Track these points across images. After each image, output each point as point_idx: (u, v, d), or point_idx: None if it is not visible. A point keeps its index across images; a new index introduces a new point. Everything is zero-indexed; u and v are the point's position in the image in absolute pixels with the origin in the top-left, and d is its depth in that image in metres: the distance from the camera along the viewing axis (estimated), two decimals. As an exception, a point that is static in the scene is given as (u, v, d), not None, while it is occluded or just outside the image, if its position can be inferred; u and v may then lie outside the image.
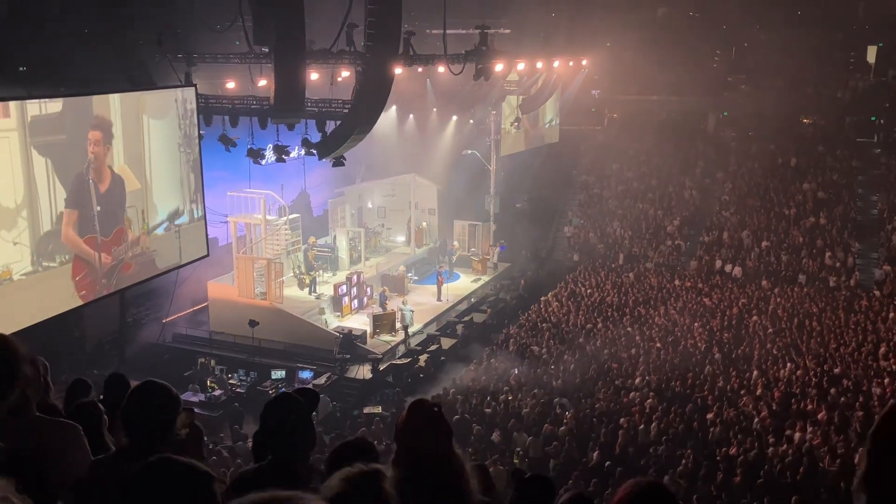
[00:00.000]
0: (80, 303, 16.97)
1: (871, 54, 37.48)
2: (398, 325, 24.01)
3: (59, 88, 17.08)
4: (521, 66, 27.14)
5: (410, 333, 23.91)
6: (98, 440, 3.83)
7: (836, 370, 18.98)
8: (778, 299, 25.19)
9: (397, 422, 2.90)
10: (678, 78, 37.06)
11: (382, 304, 24.89)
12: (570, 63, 30.89)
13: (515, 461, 15.06)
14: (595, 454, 14.88)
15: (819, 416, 16.27)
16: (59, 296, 16.23)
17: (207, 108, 20.47)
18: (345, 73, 21.02)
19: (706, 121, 37.44)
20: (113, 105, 17.34)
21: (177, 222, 19.68)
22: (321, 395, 19.97)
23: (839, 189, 32.10)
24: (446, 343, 24.16)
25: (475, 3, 28.63)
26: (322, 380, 21.10)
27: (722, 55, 39.70)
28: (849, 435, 15.26)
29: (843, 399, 17.09)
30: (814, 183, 32.45)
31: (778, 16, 36.06)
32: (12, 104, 14.82)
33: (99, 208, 17.08)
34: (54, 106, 15.94)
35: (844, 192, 31.95)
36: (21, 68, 17.50)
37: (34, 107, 15.33)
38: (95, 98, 17.05)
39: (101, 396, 5.11)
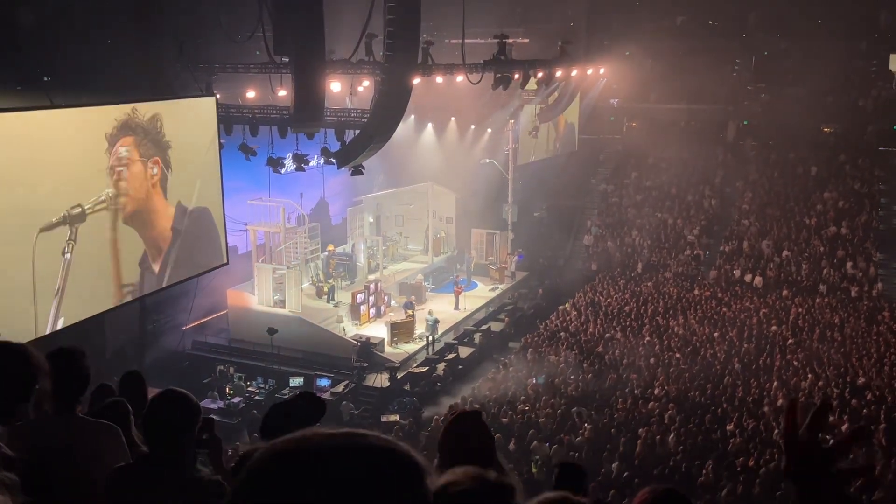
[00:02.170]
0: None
1: (893, 63, 37.12)
2: (423, 333, 24.00)
3: (83, 98, 17.31)
4: (539, 74, 27.14)
5: (432, 341, 23.89)
6: (127, 438, 3.90)
7: (859, 382, 18.77)
8: (799, 309, 24.96)
9: (441, 430, 2.89)
10: (698, 86, 36.93)
11: (411, 307, 24.84)
12: (589, 72, 30.86)
13: (534, 470, 15.01)
14: (613, 465, 14.80)
15: (842, 428, 16.08)
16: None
17: (228, 118, 20.66)
18: (365, 83, 21.13)
19: (726, 129, 37.22)
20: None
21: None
22: (343, 402, 20.09)
23: (861, 198, 31.78)
24: (464, 352, 24.15)
25: (493, 12, 28.71)
26: (340, 388, 21.17)
27: (742, 63, 39.50)
28: (872, 447, 15.07)
29: (865, 411, 16.89)
30: (835, 192, 32.15)
31: (799, 24, 35.86)
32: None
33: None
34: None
35: (866, 201, 31.62)
36: (46, 78, 17.76)
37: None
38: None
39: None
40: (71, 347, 3.78)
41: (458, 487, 1.86)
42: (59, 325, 15.97)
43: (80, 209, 16.18)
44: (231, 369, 21.90)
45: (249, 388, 21.42)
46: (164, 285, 19.29)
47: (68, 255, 16.02)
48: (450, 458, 2.75)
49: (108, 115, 16.82)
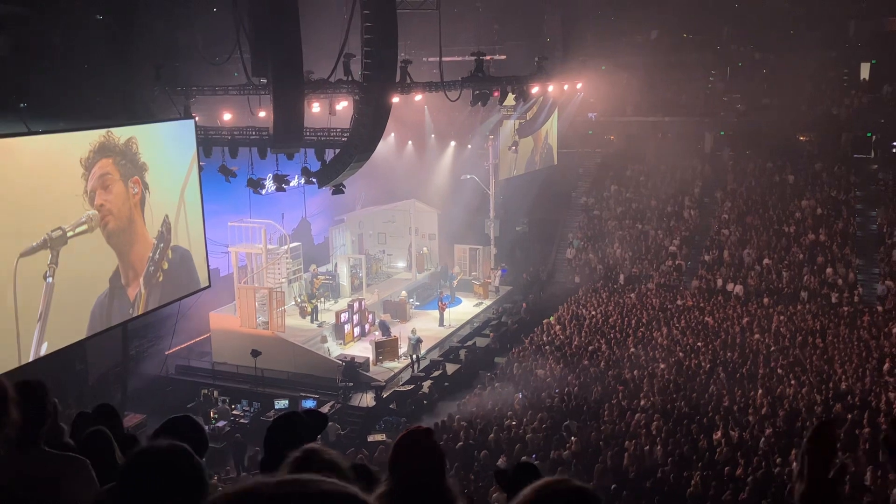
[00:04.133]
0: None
1: (865, 71, 37.76)
2: (405, 353, 23.93)
3: (59, 124, 17.22)
4: (516, 90, 27.34)
5: (416, 359, 23.81)
6: (112, 465, 3.84)
7: (842, 387, 18.92)
8: (780, 317, 25.16)
9: (391, 449, 2.87)
10: (674, 99, 37.39)
11: (385, 332, 24.88)
12: (566, 87, 31.12)
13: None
14: (600, 478, 14.78)
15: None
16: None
17: (207, 140, 20.61)
18: (343, 103, 21.19)
19: (703, 140, 37.63)
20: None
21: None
22: (330, 423, 19.98)
23: (838, 205, 32.17)
24: (450, 368, 24.09)
25: (470, 30, 28.98)
26: (326, 408, 21.03)
27: (717, 75, 40.03)
28: (857, 452, 15.17)
29: (849, 416, 17.01)
30: (812, 200, 32.54)
31: (772, 36, 36.45)
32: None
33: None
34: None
35: (843, 208, 32.01)
36: (22, 104, 17.66)
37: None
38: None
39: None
40: (33, 380, 3.72)
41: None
42: (43, 351, 15.79)
43: (60, 232, 16.06)
44: (215, 393, 21.71)
45: (234, 412, 21.24)
46: (145, 310, 19.13)
47: (50, 279, 15.87)
48: (398, 475, 2.74)
49: (83, 140, 16.74)
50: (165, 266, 19.33)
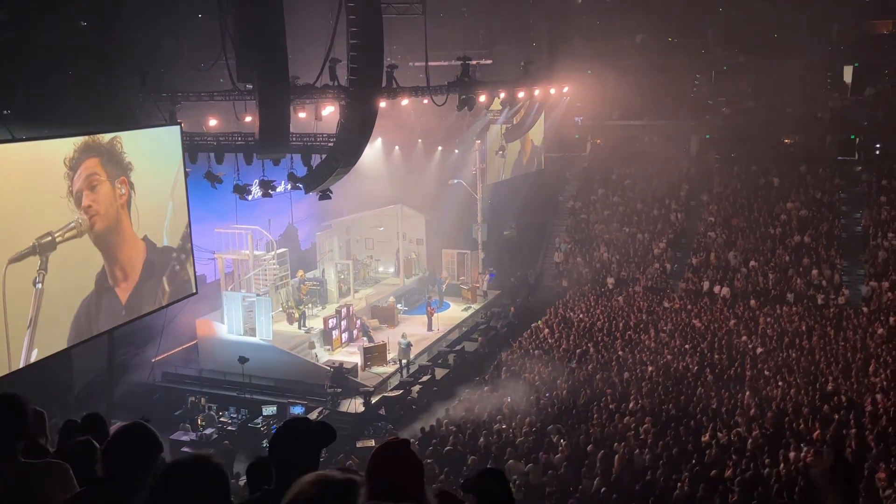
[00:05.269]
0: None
1: (848, 74, 38.11)
2: (395, 357, 23.88)
3: (44, 131, 17.09)
4: (503, 95, 27.40)
5: (405, 364, 23.76)
6: (92, 474, 3.80)
7: (828, 388, 19.02)
8: (767, 319, 25.29)
9: (368, 461, 2.83)
10: (660, 102, 37.57)
11: (367, 335, 24.82)
12: (552, 91, 31.22)
13: (512, 490, 14.90)
14: (590, 481, 14.78)
15: (813, 435, 16.26)
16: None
17: (192, 146, 20.52)
18: (329, 108, 21.16)
19: (689, 144, 37.84)
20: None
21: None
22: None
23: (822, 207, 32.42)
24: (439, 373, 24.05)
25: (456, 35, 29.01)
26: (314, 414, 20.94)
27: (702, 79, 40.29)
28: (844, 452, 15.25)
29: (836, 416, 17.10)
30: (797, 202, 32.77)
31: (755, 40, 36.72)
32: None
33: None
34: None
35: (827, 210, 32.26)
36: (5, 111, 17.52)
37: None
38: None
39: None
40: (7, 394, 3.69)
41: (303, 497, 1.89)
42: (33, 358, 15.62)
43: (49, 237, 15.92)
44: (202, 400, 21.57)
45: (221, 419, 21.11)
46: (131, 316, 18.97)
47: (39, 286, 15.72)
48: (376, 485, 2.71)
49: (67, 141, 16.62)
50: (155, 276, 19.18)
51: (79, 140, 16.81)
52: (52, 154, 16.29)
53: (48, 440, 4.39)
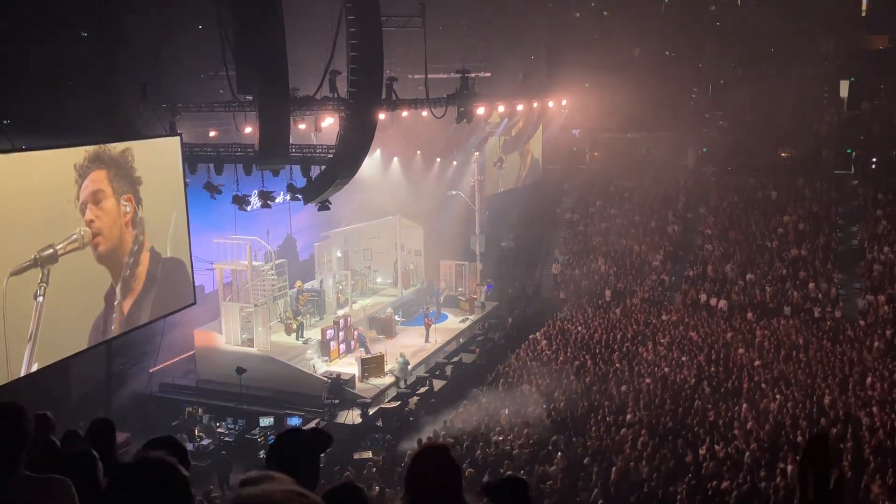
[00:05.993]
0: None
1: (844, 89, 38.33)
2: (392, 375, 23.83)
3: (44, 141, 17.15)
4: (501, 108, 27.55)
5: (405, 383, 23.68)
6: (94, 486, 3.81)
7: (825, 401, 19.04)
8: (764, 332, 25.32)
9: (407, 465, 2.85)
10: (657, 115, 37.75)
11: (364, 346, 24.79)
12: (550, 104, 31.37)
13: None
14: (587, 493, 14.78)
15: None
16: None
17: (192, 157, 20.59)
18: (329, 120, 21.26)
19: (686, 156, 37.98)
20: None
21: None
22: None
23: (819, 220, 32.51)
24: (436, 385, 24.03)
25: (456, 47, 29.15)
26: (311, 426, 20.90)
27: (699, 92, 40.49)
28: (841, 465, 15.26)
29: (833, 430, 17.12)
30: (794, 215, 32.87)
31: (752, 53, 36.95)
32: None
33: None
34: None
35: (824, 223, 32.36)
36: (5, 121, 17.58)
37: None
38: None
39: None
40: (6, 403, 3.67)
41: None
42: (34, 370, 15.63)
43: (51, 250, 15.95)
44: (200, 410, 21.53)
45: (219, 430, 21.07)
46: (132, 327, 19.01)
47: (40, 298, 15.74)
48: (415, 493, 2.74)
49: (77, 149, 16.71)
50: (159, 287, 19.21)
51: (90, 148, 16.91)
52: (55, 167, 16.36)
53: (56, 446, 4.39)
